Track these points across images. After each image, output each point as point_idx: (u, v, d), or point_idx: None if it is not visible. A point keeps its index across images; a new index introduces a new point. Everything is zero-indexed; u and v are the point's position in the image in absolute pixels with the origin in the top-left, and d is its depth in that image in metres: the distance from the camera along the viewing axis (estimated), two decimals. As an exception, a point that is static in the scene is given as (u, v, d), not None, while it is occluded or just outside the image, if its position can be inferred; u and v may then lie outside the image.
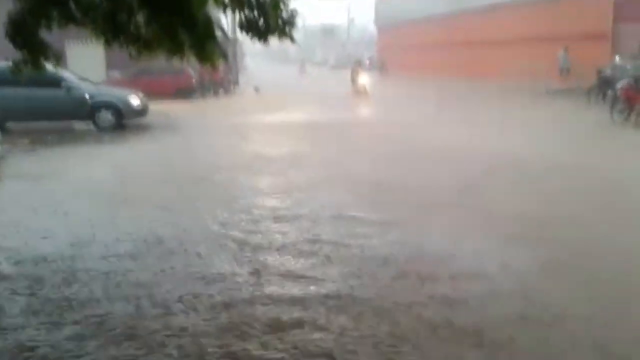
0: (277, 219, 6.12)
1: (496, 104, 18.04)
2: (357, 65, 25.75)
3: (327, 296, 4.10)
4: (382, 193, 7.26)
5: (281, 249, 5.18)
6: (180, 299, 4.08)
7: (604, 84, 16.67)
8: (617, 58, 18.20)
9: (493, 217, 6.05)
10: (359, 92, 23.62)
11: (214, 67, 4.34)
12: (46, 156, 10.63)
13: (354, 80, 24.48)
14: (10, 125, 13.02)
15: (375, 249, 5.10)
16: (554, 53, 22.18)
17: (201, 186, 7.86)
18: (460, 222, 5.90)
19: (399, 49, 41.49)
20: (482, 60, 28.89)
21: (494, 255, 4.87)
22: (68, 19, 4.60)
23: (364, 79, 24.30)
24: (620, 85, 13.23)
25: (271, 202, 6.87)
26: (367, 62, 48.67)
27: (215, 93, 25.22)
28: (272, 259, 4.93)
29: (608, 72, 17.23)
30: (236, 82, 29.97)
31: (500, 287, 4.27)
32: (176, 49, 4.36)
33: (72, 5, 4.60)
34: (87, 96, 13.60)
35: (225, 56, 3.26)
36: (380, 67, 43.74)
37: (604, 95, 16.56)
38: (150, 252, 5.13)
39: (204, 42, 3.96)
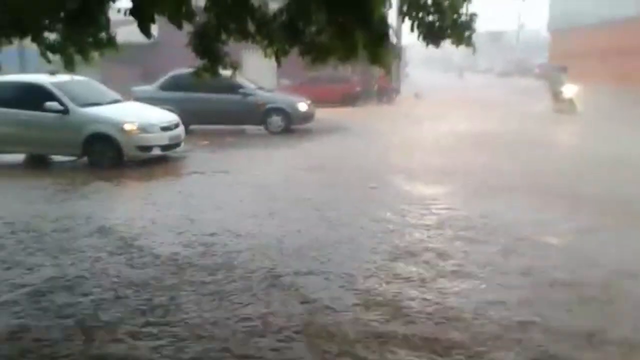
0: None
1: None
2: (559, 73, 20.26)
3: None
4: None
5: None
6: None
7: None
8: None
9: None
10: (563, 108, 18.28)
11: (386, 68, 4.34)
12: (222, 156, 11.52)
13: (555, 92, 19.20)
14: (193, 127, 14.29)
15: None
16: None
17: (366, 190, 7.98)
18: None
19: (575, 56, 38.54)
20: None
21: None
22: (244, 33, 4.93)
23: (572, 90, 18.63)
24: None
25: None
26: (537, 70, 46.04)
27: (379, 100, 25.48)
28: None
29: None
30: (398, 90, 30.02)
31: None
32: (350, 52, 4.43)
33: (249, 21, 4.93)
34: (260, 102, 14.53)
35: (398, 57, 3.26)
36: (540, 74, 41.35)
37: None
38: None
39: (378, 42, 3.97)
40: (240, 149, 12.44)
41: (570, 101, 18.26)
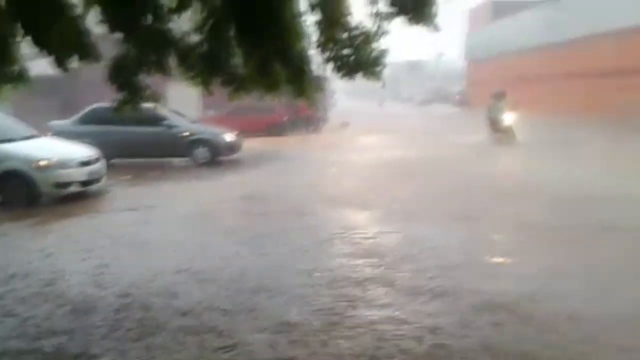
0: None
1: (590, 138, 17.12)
2: (497, 100, 18.09)
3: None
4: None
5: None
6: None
7: None
8: None
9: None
10: (501, 137, 17.23)
11: (309, 101, 4.44)
12: (146, 190, 11.24)
13: (493, 120, 17.75)
14: (115, 161, 13.89)
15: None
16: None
17: (291, 219, 8.00)
18: None
19: (488, 84, 40.65)
20: (578, 94, 27.44)
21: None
22: (164, 65, 4.92)
23: (511, 118, 17.30)
24: None
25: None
26: (457, 97, 48.14)
27: (306, 130, 25.77)
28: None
29: None
30: (325, 119, 30.48)
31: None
32: (272, 85, 4.49)
33: (171, 52, 4.92)
34: (185, 134, 14.38)
35: (321, 90, 3.33)
36: (459, 101, 43.75)
37: None
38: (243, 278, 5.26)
39: (299, 76, 4.07)
40: (165, 182, 12.21)
41: (509, 130, 17.11)
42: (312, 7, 4.89)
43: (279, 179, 12.21)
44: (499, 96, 18.10)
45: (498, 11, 41.17)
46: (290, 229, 7.46)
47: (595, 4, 26.14)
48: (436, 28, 5.20)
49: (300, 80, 4.12)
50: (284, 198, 9.74)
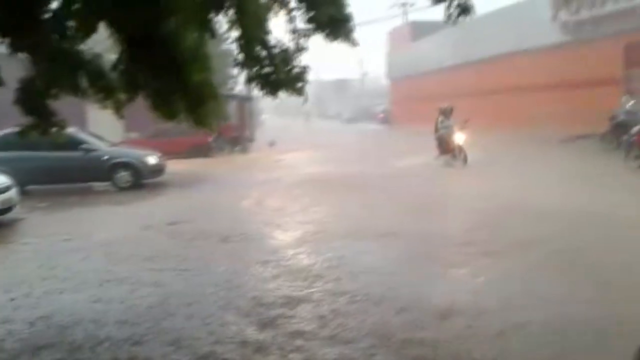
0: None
1: (516, 152, 17.98)
2: (445, 116, 16.23)
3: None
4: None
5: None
6: None
7: (618, 129, 16.54)
8: (630, 103, 18.11)
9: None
10: (450, 160, 15.46)
11: (210, 130, 4.29)
12: (63, 218, 10.70)
13: (442, 139, 15.81)
14: (30, 188, 13.17)
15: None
16: (566, 99, 22.28)
17: (215, 245, 7.83)
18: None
19: (410, 101, 42.09)
20: (491, 110, 28.90)
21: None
22: (75, 87, 4.72)
23: (461, 138, 15.42)
24: (635, 130, 13.09)
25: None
26: (381, 115, 49.32)
27: (232, 150, 25.55)
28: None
29: (621, 117, 17.14)
30: (252, 139, 30.39)
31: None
32: (171, 114, 4.34)
33: (82, 74, 4.73)
34: (105, 157, 13.87)
35: (223, 118, 3.22)
36: (383, 119, 45.19)
37: (619, 140, 16.38)
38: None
39: (198, 107, 3.91)
40: (84, 208, 11.68)
41: (461, 150, 15.19)
42: (231, 25, 4.86)
43: (203, 202, 11.91)
44: (447, 112, 16.26)
45: (416, 32, 42.70)
46: (213, 255, 7.25)
47: (503, 26, 27.63)
48: (354, 43, 5.31)
49: (199, 109, 3.97)
50: (208, 222, 9.43)
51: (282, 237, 8.18)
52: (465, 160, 14.96)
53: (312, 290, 5.51)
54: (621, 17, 20.55)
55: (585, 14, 22.38)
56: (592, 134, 18.16)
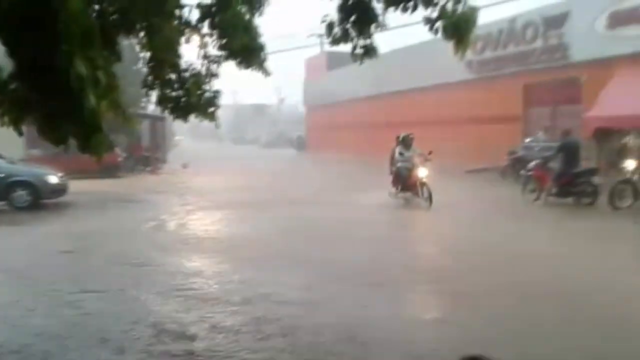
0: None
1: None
2: (404, 147, 14.05)
3: None
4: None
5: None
6: None
7: (517, 164, 17.66)
8: (527, 140, 19.41)
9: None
10: (411, 198, 13.46)
11: (99, 159, 4.04)
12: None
13: (402, 173, 13.57)
14: None
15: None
16: (471, 134, 23.51)
17: (117, 271, 7.52)
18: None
19: (325, 129, 42.88)
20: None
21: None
22: None
23: (423, 173, 13.05)
24: (531, 165, 13.97)
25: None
26: (297, 141, 49.80)
27: (142, 171, 24.80)
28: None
29: (520, 152, 18.34)
30: (164, 160, 29.67)
31: None
32: (59, 140, 4.11)
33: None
34: (1, 175, 13.03)
35: (112, 148, 3.07)
36: (299, 145, 46.00)
37: (517, 174, 17.47)
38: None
39: (88, 134, 3.72)
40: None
41: (425, 188, 12.81)
42: (142, 47, 4.78)
43: (106, 225, 11.40)
44: (406, 142, 13.99)
45: (332, 62, 43.64)
46: (116, 282, 6.94)
47: (415, 61, 28.91)
48: (267, 72, 5.36)
49: (89, 138, 3.78)
50: (109, 247, 9.05)
51: (179, 264, 7.97)
52: (430, 200, 12.49)
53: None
54: (521, 59, 22.08)
55: (488, 54, 23.85)
56: (494, 167, 19.23)
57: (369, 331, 5.00)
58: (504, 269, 7.37)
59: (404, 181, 13.51)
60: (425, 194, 12.77)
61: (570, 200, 12.75)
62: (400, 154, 13.80)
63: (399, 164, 13.74)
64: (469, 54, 24.23)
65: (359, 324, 5.17)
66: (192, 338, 4.85)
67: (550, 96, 20.76)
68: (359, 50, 4.65)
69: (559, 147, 13.12)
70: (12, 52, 2.61)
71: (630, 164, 12.29)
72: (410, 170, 13.31)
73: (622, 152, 16.20)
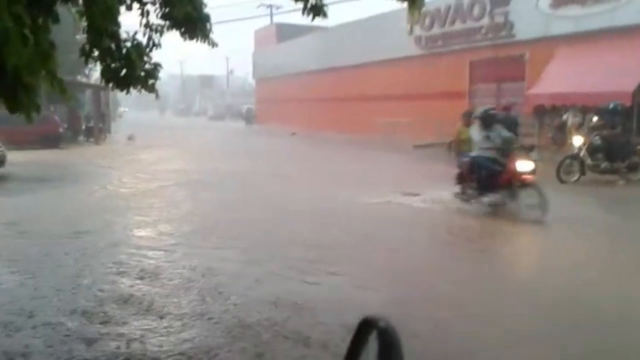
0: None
1: (363, 157, 18.85)
2: (486, 126, 8.99)
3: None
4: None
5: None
6: None
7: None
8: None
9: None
10: (502, 204, 8.92)
11: (28, 119, 3.90)
12: None
13: (487, 169, 8.94)
14: None
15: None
16: (420, 109, 23.88)
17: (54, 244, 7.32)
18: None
19: (274, 102, 42.62)
20: (351, 115, 30.32)
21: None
22: None
23: (527, 166, 8.60)
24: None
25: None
26: (245, 114, 49.38)
27: (85, 142, 24.09)
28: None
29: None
30: (108, 130, 28.85)
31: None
32: None
33: None
34: None
35: (38, 110, 2.96)
36: (247, 118, 45.74)
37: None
38: None
39: (15, 92, 3.57)
40: None
41: (530, 189, 8.47)
42: (80, 15, 4.60)
43: (48, 197, 11.05)
44: (488, 121, 9.08)
45: (282, 34, 43.24)
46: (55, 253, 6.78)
47: (364, 36, 28.93)
48: (212, 44, 5.27)
49: (16, 96, 3.62)
50: (51, 220, 8.81)
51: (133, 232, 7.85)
52: (544, 207, 8.15)
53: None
54: (467, 36, 22.46)
55: (437, 30, 24.12)
56: (441, 143, 19.63)
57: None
58: None
59: (489, 179, 8.93)
60: (535, 198, 8.33)
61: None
62: (486, 137, 8.96)
63: (478, 152, 9.11)
64: (418, 30, 24.92)
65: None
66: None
67: (495, 73, 21.25)
68: (308, 9, 4.65)
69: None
70: None
71: (577, 140, 12.74)
72: (501, 162, 8.84)
73: (561, 128, 16.95)
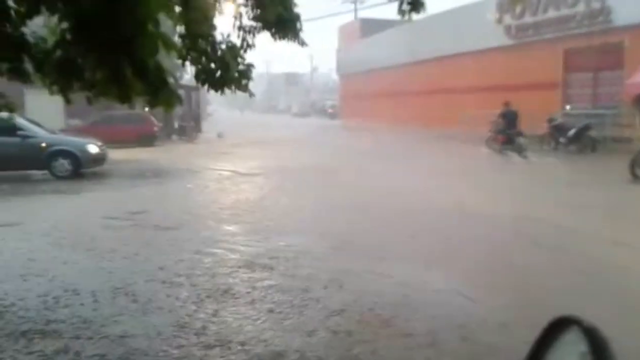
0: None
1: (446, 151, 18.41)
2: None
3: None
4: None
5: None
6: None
7: (556, 131, 17.27)
8: (567, 107, 18.92)
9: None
10: None
11: (169, 109, 4.21)
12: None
13: None
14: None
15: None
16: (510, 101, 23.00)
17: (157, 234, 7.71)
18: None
19: (358, 97, 42.51)
20: (437, 109, 29.64)
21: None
22: (19, 71, 4.54)
23: None
24: (571, 134, 13.62)
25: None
26: (330, 110, 49.67)
27: (178, 140, 25.20)
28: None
29: (559, 119, 17.91)
30: (199, 129, 30.01)
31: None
32: (124, 96, 4.24)
33: (26, 58, 4.56)
34: (43, 145, 13.40)
35: (180, 101, 3.18)
36: (332, 114, 45.80)
37: (557, 142, 17.08)
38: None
39: (154, 90, 3.86)
40: (15, 197, 11.18)
41: None
42: (176, 21, 4.81)
43: (145, 193, 11.63)
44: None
45: (366, 29, 43.05)
46: (155, 244, 7.14)
47: (451, 27, 28.22)
48: (302, 43, 5.35)
49: (156, 94, 3.91)
50: (152, 214, 9.27)
51: (230, 228, 8.12)
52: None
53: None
54: (561, 23, 21.38)
55: (528, 18, 23.13)
56: (533, 135, 18.85)
57: None
58: None
59: None
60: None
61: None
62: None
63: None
64: (508, 19, 23.99)
65: None
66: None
67: (591, 62, 20.08)
68: (405, 6, 4.60)
69: (500, 114, 16.87)
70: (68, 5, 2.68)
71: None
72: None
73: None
